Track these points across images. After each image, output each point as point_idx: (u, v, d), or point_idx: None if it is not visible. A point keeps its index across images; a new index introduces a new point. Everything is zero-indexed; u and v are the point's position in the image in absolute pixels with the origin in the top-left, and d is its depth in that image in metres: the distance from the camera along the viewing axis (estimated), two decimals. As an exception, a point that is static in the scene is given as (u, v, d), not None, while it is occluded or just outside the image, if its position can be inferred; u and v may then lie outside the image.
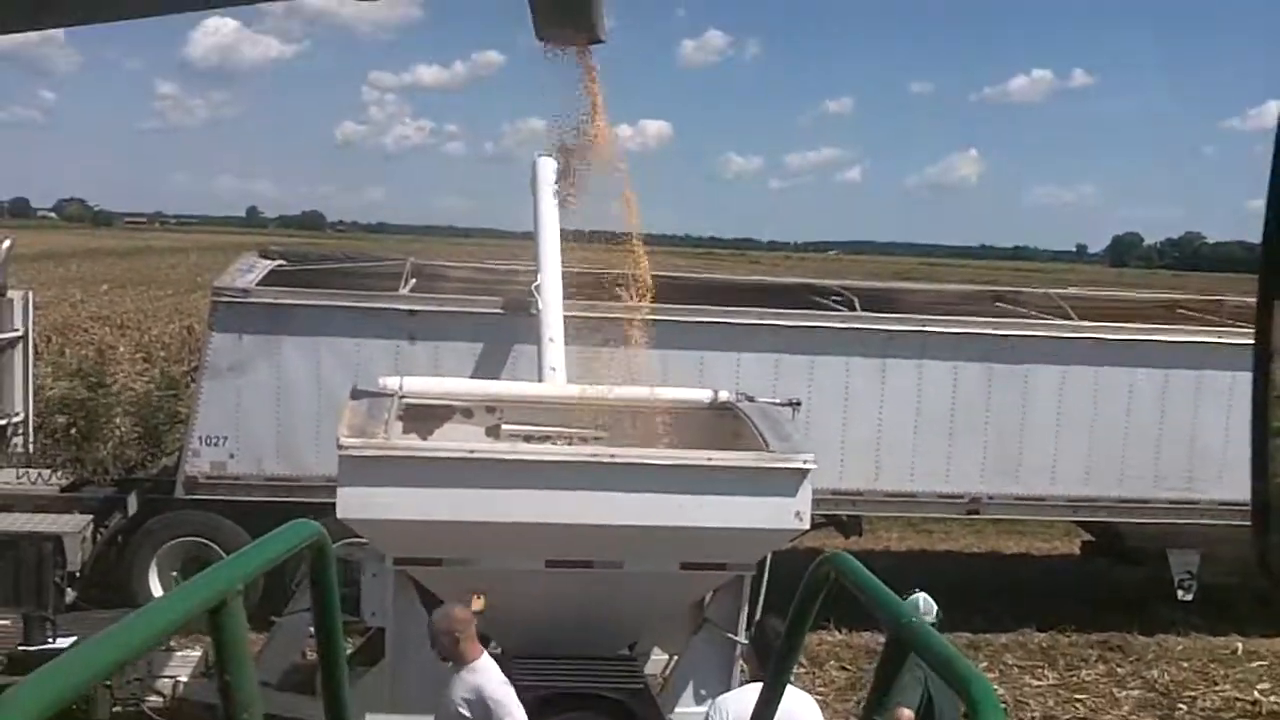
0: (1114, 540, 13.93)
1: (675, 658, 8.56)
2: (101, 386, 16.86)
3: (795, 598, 3.03)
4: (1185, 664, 12.22)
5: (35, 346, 13.59)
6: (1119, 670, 12.06)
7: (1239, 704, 11.37)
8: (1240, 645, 12.76)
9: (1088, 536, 14.99)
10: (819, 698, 10.53)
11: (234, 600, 2.07)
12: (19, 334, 12.39)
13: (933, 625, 6.49)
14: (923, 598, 6.78)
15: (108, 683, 8.55)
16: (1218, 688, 11.68)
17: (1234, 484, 12.88)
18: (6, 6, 2.59)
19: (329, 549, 2.62)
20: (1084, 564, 15.12)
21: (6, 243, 13.16)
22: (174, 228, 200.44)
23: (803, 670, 11.15)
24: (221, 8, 3.61)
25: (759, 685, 5.18)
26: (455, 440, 8.55)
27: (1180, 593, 13.20)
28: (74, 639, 7.54)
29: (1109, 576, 14.04)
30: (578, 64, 7.67)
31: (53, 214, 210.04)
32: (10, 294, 12.39)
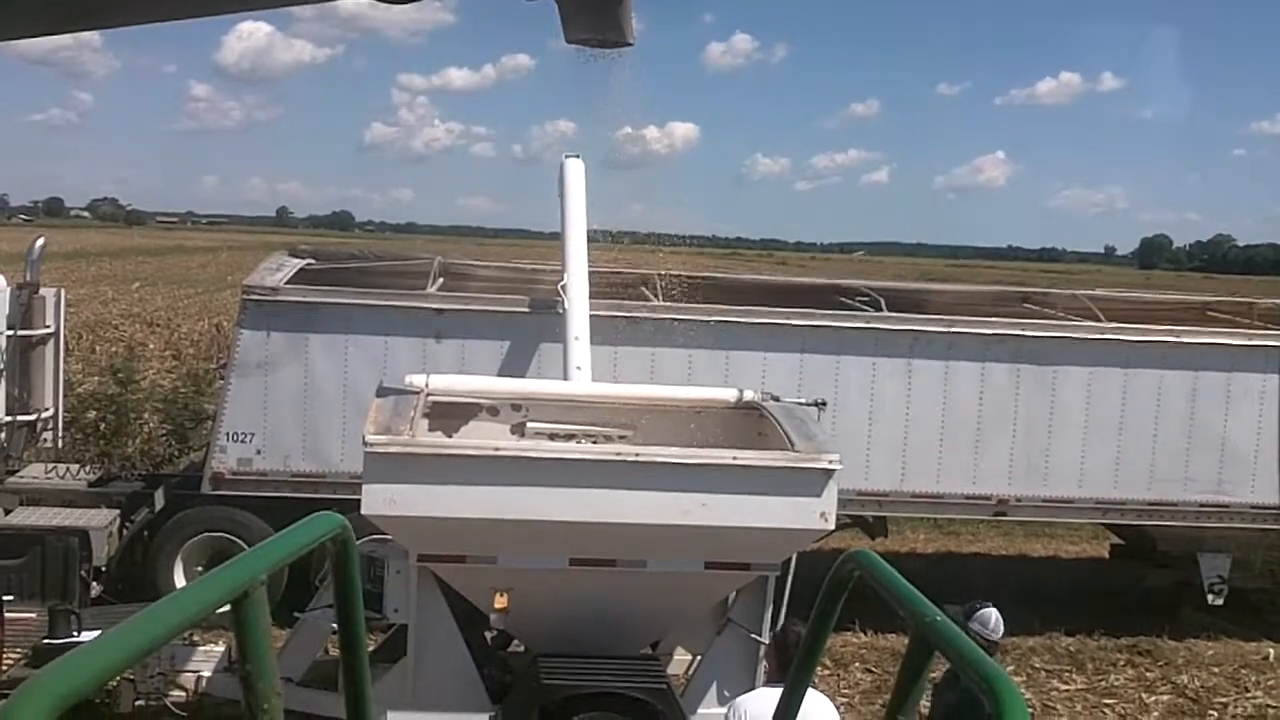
0: (1143, 543, 13.81)
1: (698, 658, 8.54)
2: (131, 383, 16.94)
3: (819, 596, 3.01)
4: (1216, 669, 12.10)
5: (66, 343, 13.66)
6: (1148, 675, 11.95)
7: (1271, 711, 11.25)
8: (1272, 651, 12.62)
9: (1117, 540, 14.88)
10: (844, 700, 10.53)
11: (257, 591, 2.06)
12: (50, 331, 12.47)
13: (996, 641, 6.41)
14: (994, 615, 6.64)
15: (130, 676, 8.60)
16: (1249, 694, 11.55)
17: (1265, 487, 12.78)
18: (47, 11, 2.61)
19: (352, 542, 2.61)
20: (1113, 567, 15.01)
21: (40, 241, 13.27)
22: (205, 227, 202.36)
23: (827, 672, 11.10)
24: (254, 10, 3.63)
25: (777, 688, 5.16)
26: (481, 438, 8.56)
27: (1211, 597, 13.08)
28: (98, 633, 7.58)
29: (1138, 580, 13.92)
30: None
31: (86, 213, 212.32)
32: (43, 291, 12.47)
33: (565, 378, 9.75)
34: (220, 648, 9.20)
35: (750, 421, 8.91)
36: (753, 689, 6.88)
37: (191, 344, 31.38)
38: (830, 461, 7.63)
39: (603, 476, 7.51)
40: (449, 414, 9.02)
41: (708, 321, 12.16)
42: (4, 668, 8.44)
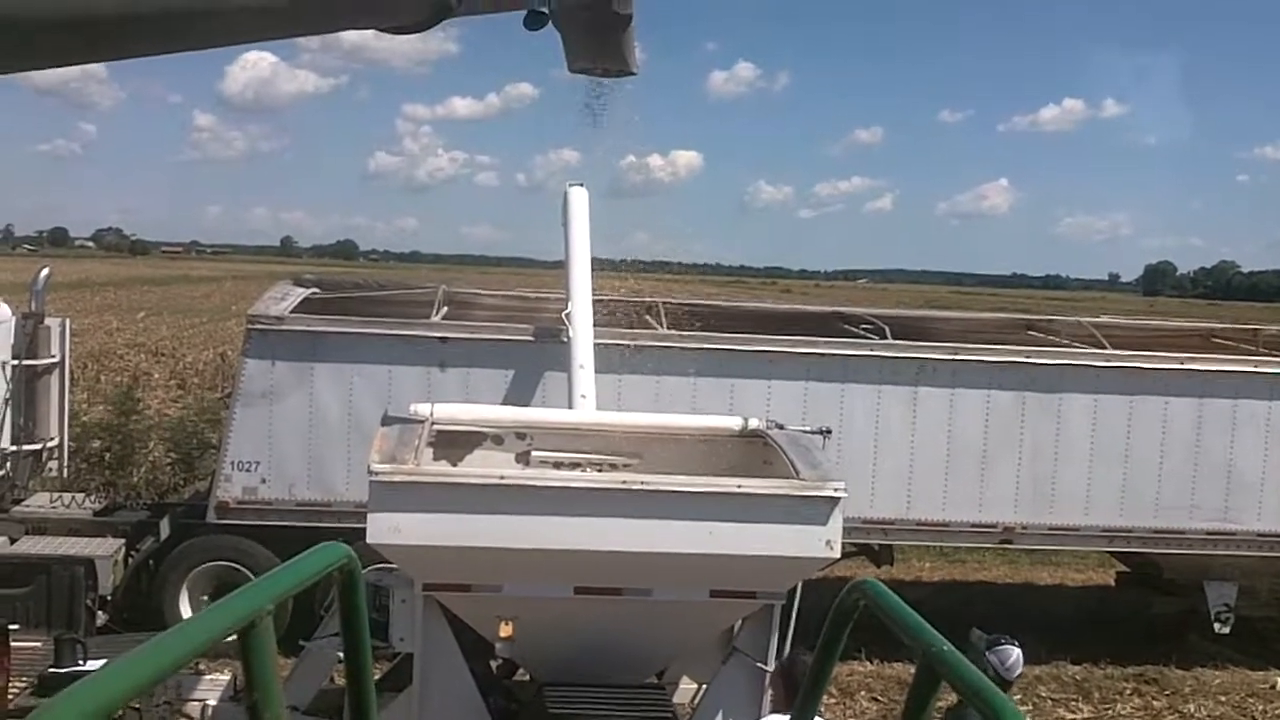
0: (1150, 571, 13.77)
1: (704, 687, 8.50)
2: (135, 413, 16.98)
3: (825, 624, 3.01)
4: (1223, 698, 12.04)
5: (71, 373, 13.71)
6: (1155, 704, 11.90)
7: (1278, 739, 11.20)
8: (1279, 680, 12.56)
9: (1123, 567, 14.84)
10: (850, 729, 10.48)
11: (264, 620, 2.07)
12: (56, 360, 12.53)
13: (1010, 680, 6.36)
14: (1016, 654, 6.59)
15: (136, 705, 8.58)
16: (1256, 723, 11.51)
17: (1272, 515, 12.75)
18: (57, 44, 2.65)
19: (358, 571, 2.62)
20: (1119, 595, 14.95)
21: (45, 271, 13.33)
22: (209, 257, 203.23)
23: (833, 701, 11.06)
24: (259, 41, 3.66)
25: (783, 717, 5.15)
26: (486, 466, 8.55)
27: (1217, 625, 13.02)
28: (104, 662, 7.57)
29: (1145, 608, 13.87)
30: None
31: (90, 243, 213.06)
32: (48, 321, 12.53)
33: (570, 406, 9.75)
34: (226, 676, 9.18)
35: (755, 449, 8.89)
36: (758, 718, 6.85)
37: (196, 373, 31.44)
38: (835, 489, 7.60)
39: (608, 505, 7.49)
40: (454, 443, 9.01)
41: (712, 350, 12.18)
42: (10, 697, 8.41)
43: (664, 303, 13.57)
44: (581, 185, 11.31)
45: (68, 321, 13.06)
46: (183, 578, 12.16)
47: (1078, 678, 12.37)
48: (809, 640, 3.98)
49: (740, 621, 8.17)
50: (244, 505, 11.86)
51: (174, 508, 13.37)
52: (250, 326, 12.13)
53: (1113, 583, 15.44)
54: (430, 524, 7.36)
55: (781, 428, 9.10)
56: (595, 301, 10.82)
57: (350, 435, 11.59)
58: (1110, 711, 11.67)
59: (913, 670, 2.61)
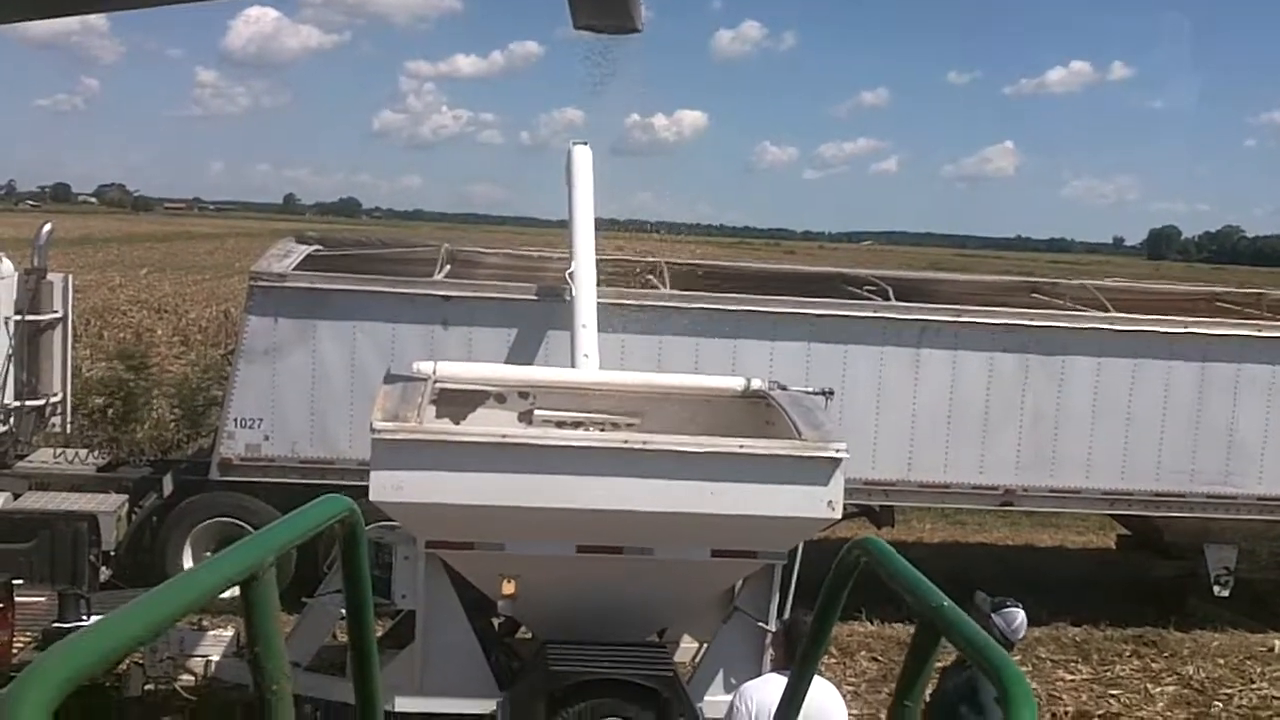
0: (1150, 534, 13.80)
1: (705, 645, 8.55)
2: (139, 369, 16.99)
3: (825, 582, 3.01)
4: (1221, 660, 12.09)
5: (74, 328, 13.70)
6: (1154, 666, 11.95)
7: (1275, 702, 11.24)
8: (1277, 642, 12.62)
9: (1123, 530, 14.87)
10: (850, 688, 10.53)
11: (265, 573, 2.06)
12: (58, 316, 12.52)
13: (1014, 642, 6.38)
14: (1021, 616, 6.60)
15: (140, 660, 8.64)
16: (1254, 685, 11.55)
17: (1272, 479, 12.76)
18: None
19: (360, 524, 2.62)
20: (1119, 558, 15.00)
21: (47, 227, 13.29)
22: (212, 214, 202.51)
23: (833, 660, 11.11)
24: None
25: (784, 675, 5.16)
26: (488, 425, 8.55)
27: (1217, 588, 13.07)
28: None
29: (1145, 571, 13.91)
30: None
31: (93, 199, 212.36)
32: (50, 277, 12.51)
33: (572, 365, 9.75)
34: (229, 632, 9.23)
35: (757, 410, 8.89)
36: (759, 677, 6.88)
37: (199, 330, 31.43)
38: (837, 450, 7.61)
39: (610, 464, 7.50)
40: (456, 401, 9.02)
41: (715, 310, 12.16)
42: (14, 651, 8.46)
43: (667, 262, 13.53)
44: (585, 144, 11.25)
45: (70, 277, 13.03)
46: (185, 534, 12.21)
47: (1077, 639, 12.42)
48: (810, 601, 3.98)
49: (741, 581, 8.20)
50: (247, 462, 11.89)
51: (177, 464, 13.41)
52: (253, 283, 12.12)
53: (1113, 545, 15.49)
54: (432, 482, 7.37)
55: (784, 388, 9.10)
56: (598, 261, 10.79)
57: (353, 393, 11.61)
58: (1109, 673, 11.72)
59: (912, 630, 2.61)
